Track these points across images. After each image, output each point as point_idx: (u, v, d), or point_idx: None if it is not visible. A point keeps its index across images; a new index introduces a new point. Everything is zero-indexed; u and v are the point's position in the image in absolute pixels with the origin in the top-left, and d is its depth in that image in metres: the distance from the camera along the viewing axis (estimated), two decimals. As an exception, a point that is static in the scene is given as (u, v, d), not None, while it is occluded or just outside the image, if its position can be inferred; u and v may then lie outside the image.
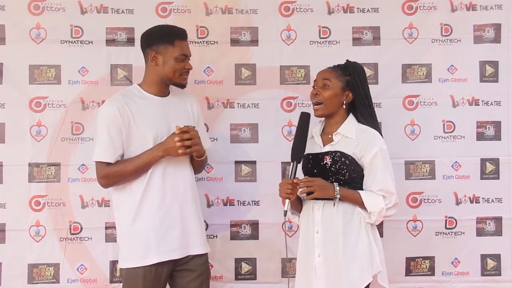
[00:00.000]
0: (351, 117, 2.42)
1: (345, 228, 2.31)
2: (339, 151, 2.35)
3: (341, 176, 2.33)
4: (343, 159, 2.33)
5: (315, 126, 2.49)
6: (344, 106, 2.41)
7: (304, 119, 2.38)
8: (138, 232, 2.43)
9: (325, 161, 2.36)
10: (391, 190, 2.32)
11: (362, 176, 2.36)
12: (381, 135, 2.40)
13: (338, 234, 2.31)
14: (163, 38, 2.47)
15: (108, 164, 2.42)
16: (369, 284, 2.31)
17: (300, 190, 2.33)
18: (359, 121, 2.41)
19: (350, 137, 2.36)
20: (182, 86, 2.52)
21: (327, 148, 2.40)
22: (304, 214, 2.41)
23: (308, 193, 2.32)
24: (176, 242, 2.43)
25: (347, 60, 2.49)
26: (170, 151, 2.37)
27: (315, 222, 2.36)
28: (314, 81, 2.46)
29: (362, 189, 2.34)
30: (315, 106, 2.41)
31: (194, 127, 2.51)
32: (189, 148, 2.36)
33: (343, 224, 2.31)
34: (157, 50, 2.46)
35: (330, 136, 2.42)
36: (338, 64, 2.48)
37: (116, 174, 2.42)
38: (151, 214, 2.42)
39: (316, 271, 2.33)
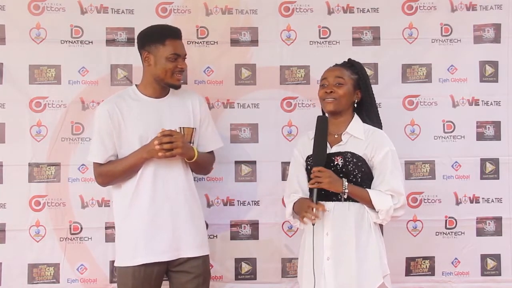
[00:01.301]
0: (357, 117, 2.41)
1: (357, 231, 2.28)
2: (350, 152, 2.32)
3: (353, 177, 2.30)
4: (354, 160, 2.31)
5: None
6: (355, 105, 2.40)
7: (323, 123, 2.33)
8: (128, 232, 2.47)
9: (336, 162, 2.32)
10: (400, 190, 2.29)
11: (371, 177, 2.33)
12: None
13: (351, 236, 2.27)
14: (154, 38, 2.48)
15: (101, 164, 2.48)
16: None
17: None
18: (364, 121, 2.40)
19: (359, 138, 2.34)
20: (176, 86, 2.52)
21: (335, 149, 2.35)
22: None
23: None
24: (166, 244, 2.43)
25: (349, 59, 2.49)
26: (153, 153, 2.38)
27: (324, 224, 2.30)
28: (323, 79, 2.41)
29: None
30: (329, 100, 2.35)
31: (194, 128, 2.52)
32: (169, 151, 2.36)
33: (355, 226, 2.28)
34: (149, 50, 2.48)
35: (336, 136, 2.38)
36: (343, 63, 2.47)
37: (107, 174, 2.48)
38: (140, 214, 2.43)
39: (325, 274, 2.27)
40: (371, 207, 2.28)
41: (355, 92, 2.39)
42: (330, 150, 2.35)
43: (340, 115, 2.38)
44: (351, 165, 2.30)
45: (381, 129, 2.43)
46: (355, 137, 2.34)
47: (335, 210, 2.30)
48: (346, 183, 2.26)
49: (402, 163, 3.02)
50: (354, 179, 2.30)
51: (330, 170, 2.27)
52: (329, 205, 2.30)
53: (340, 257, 2.27)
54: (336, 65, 2.46)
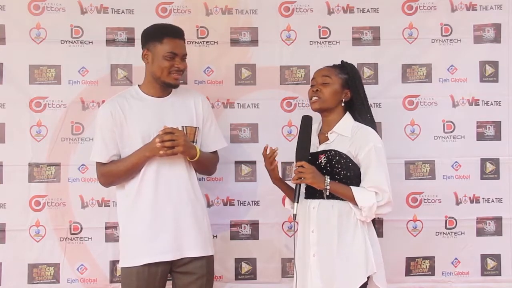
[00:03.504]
0: (347, 116, 2.43)
1: (340, 229, 2.31)
2: (334, 150, 2.36)
3: (336, 175, 2.34)
4: (337, 157, 2.34)
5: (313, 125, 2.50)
6: (342, 104, 2.43)
7: (306, 122, 2.39)
8: (131, 232, 2.46)
9: (319, 160, 2.37)
10: (383, 187, 2.29)
11: (358, 175, 2.35)
12: (377, 133, 2.41)
13: (333, 234, 2.31)
14: (153, 36, 2.49)
15: (104, 164, 2.47)
16: (365, 285, 2.30)
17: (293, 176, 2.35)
18: (356, 119, 2.42)
19: (345, 135, 2.37)
20: (172, 85, 2.51)
21: (322, 147, 2.41)
22: (301, 213, 2.40)
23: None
24: (168, 244, 2.42)
25: (342, 61, 2.53)
26: (155, 152, 2.37)
27: (310, 222, 2.37)
28: (312, 79, 2.49)
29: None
30: (314, 99, 2.41)
31: (197, 128, 2.51)
32: (170, 149, 2.35)
33: (338, 224, 2.31)
34: (148, 48, 2.49)
35: (326, 135, 2.44)
36: (334, 64, 2.52)
37: (110, 173, 2.47)
38: (142, 214, 2.43)
39: (311, 270, 2.33)
40: (355, 204, 2.29)
41: (343, 91, 2.42)
42: (318, 148, 2.41)
43: (329, 113, 2.43)
44: (334, 162, 2.34)
45: (375, 127, 2.43)
46: (342, 135, 2.38)
47: (319, 208, 2.35)
48: (328, 180, 2.30)
49: (402, 163, 3.06)
50: (337, 176, 2.34)
51: (313, 166, 2.32)
52: (314, 202, 2.37)
53: (324, 254, 2.32)
54: (327, 66, 2.51)
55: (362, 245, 2.30)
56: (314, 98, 2.41)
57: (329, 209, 2.34)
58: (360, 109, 2.43)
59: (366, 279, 2.28)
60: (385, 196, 2.29)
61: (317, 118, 2.52)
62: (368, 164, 2.31)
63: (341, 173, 2.34)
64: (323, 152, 2.38)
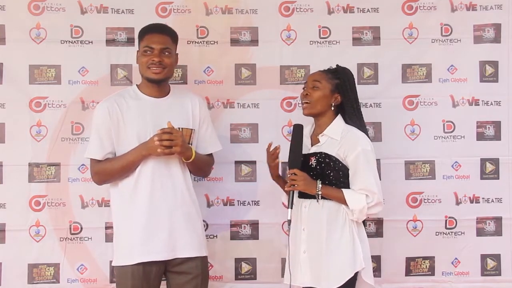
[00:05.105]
0: (338, 119, 2.48)
1: (329, 227, 2.39)
2: (324, 152, 2.42)
3: (326, 176, 2.41)
4: (327, 160, 2.41)
5: (305, 127, 2.52)
6: (332, 108, 2.47)
7: (297, 130, 2.45)
8: (125, 231, 2.46)
9: (310, 162, 2.44)
10: (373, 189, 2.36)
11: (347, 175, 2.42)
12: (368, 136, 2.46)
13: (322, 232, 2.39)
14: (139, 36, 2.54)
15: (99, 161, 2.48)
16: (353, 281, 2.36)
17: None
18: (347, 122, 2.47)
19: (335, 138, 2.43)
20: (154, 81, 2.48)
21: (313, 149, 2.48)
22: (294, 212, 2.46)
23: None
24: (161, 244, 2.42)
25: (337, 65, 2.56)
26: (152, 150, 2.38)
27: (302, 220, 2.45)
28: (305, 83, 2.53)
29: (348, 188, 2.41)
30: (303, 105, 2.49)
31: (193, 129, 2.51)
32: (168, 149, 2.35)
33: (327, 223, 2.39)
34: (138, 50, 2.53)
35: (318, 137, 2.49)
36: (328, 68, 2.55)
37: (105, 171, 2.48)
38: (137, 213, 2.43)
39: (301, 266, 2.41)
40: (347, 205, 2.37)
41: (333, 96, 2.47)
42: (310, 150, 2.48)
43: (321, 116, 2.49)
44: (323, 165, 2.41)
45: (365, 130, 2.49)
46: (332, 138, 2.44)
47: (310, 207, 2.43)
48: (320, 185, 2.38)
49: (402, 163, 3.07)
50: (327, 178, 2.41)
51: (304, 173, 2.39)
52: (305, 202, 2.45)
53: (313, 250, 2.40)
54: (320, 70, 2.55)
55: (350, 242, 2.37)
56: (304, 104, 2.48)
57: (319, 209, 2.40)
58: (350, 113, 2.48)
59: (353, 274, 2.35)
60: (374, 197, 2.36)
61: (310, 120, 2.55)
62: (357, 167, 2.38)
63: (331, 174, 2.41)
64: (314, 154, 2.45)
